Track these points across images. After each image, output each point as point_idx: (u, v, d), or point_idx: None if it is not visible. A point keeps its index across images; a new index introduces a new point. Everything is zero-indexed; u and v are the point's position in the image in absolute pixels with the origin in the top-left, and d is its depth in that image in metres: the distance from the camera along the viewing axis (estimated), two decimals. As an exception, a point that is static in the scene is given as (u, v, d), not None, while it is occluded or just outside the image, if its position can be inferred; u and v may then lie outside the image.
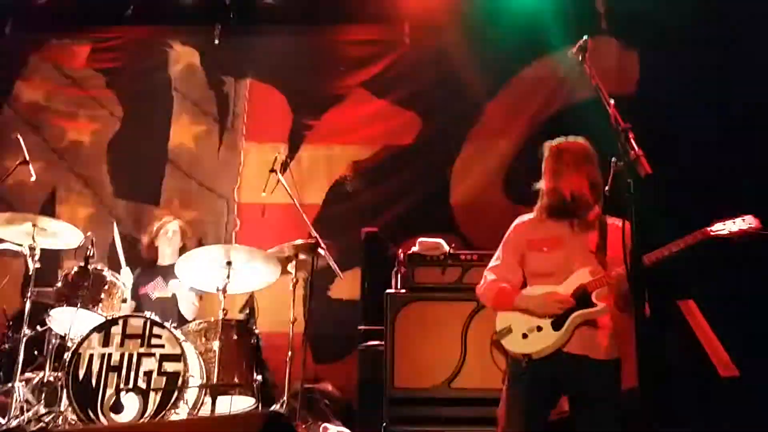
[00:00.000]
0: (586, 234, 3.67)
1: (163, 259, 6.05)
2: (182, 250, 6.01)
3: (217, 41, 7.33)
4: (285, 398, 5.13)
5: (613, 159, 3.04)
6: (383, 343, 4.97)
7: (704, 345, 5.23)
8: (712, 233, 3.37)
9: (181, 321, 5.62)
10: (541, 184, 3.76)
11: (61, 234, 5.23)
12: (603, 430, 3.45)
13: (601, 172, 3.63)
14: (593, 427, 3.48)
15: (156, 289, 5.87)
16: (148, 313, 4.87)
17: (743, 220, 3.36)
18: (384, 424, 4.67)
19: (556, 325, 3.50)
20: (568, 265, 3.60)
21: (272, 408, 5.04)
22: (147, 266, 6.09)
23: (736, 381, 5.02)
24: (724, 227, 3.36)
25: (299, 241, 5.24)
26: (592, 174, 3.64)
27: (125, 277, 5.60)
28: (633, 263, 2.87)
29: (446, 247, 5.03)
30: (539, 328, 3.53)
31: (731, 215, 3.42)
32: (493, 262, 3.84)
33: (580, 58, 3.35)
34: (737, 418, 4.99)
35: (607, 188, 3.27)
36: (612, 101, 3.14)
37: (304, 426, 5.05)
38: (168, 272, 5.84)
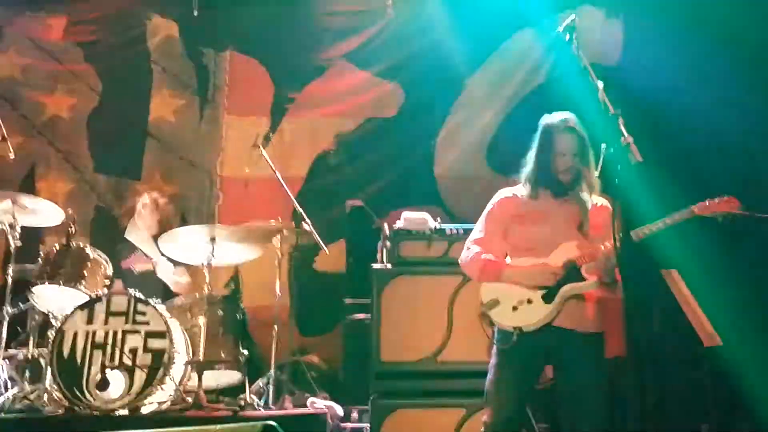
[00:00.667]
0: (568, 208, 3.69)
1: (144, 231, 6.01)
2: (162, 222, 5.98)
3: (196, 12, 7.18)
4: (272, 371, 5.15)
5: (603, 145, 3.06)
6: (369, 316, 4.97)
7: (688, 315, 5.28)
8: (696, 211, 3.43)
9: (166, 294, 5.60)
10: (531, 158, 3.76)
11: (42, 211, 5.17)
12: (586, 399, 3.50)
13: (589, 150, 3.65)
14: (577, 396, 3.52)
15: (138, 263, 5.85)
16: (132, 291, 4.83)
17: (726, 200, 3.42)
18: (371, 397, 4.68)
19: (547, 298, 3.51)
20: (553, 239, 3.62)
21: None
22: (127, 240, 6.06)
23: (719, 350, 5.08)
24: (707, 206, 3.41)
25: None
26: (582, 152, 3.64)
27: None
28: (623, 241, 2.90)
29: (432, 222, 5.02)
30: (529, 301, 3.53)
31: (715, 194, 3.49)
32: (475, 234, 3.84)
33: (568, 38, 3.34)
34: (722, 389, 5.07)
35: (597, 173, 3.29)
36: (601, 84, 3.14)
37: (290, 399, 5.07)
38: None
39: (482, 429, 3.65)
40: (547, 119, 3.75)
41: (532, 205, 3.72)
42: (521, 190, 3.81)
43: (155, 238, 5.70)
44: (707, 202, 3.44)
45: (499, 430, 3.58)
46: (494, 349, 3.73)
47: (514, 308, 3.55)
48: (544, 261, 3.57)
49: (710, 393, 5.17)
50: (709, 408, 5.17)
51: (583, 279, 3.52)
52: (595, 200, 3.72)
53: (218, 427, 2.00)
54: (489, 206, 3.87)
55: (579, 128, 3.67)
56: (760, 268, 5.65)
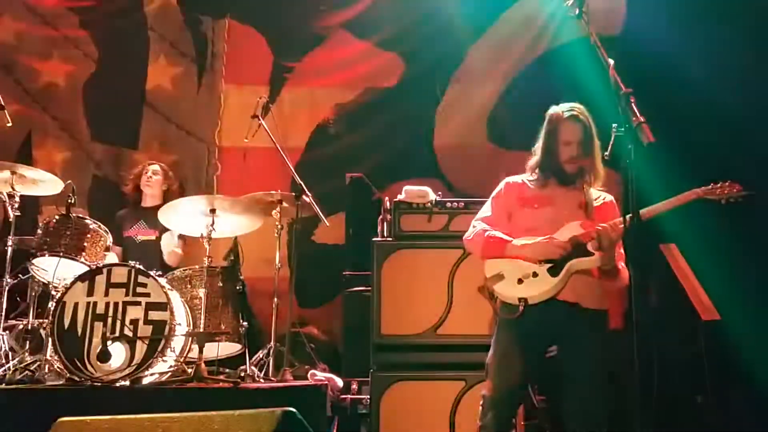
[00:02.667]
0: (575, 194, 3.73)
1: (146, 201, 6.05)
2: (167, 192, 5.98)
3: (194, -21, 7.11)
4: (272, 343, 5.17)
5: (614, 125, 3.05)
6: (368, 288, 4.97)
7: (686, 289, 5.31)
8: (701, 194, 3.46)
9: (165, 265, 5.61)
10: (538, 148, 3.77)
11: (41, 181, 5.15)
12: (588, 373, 3.52)
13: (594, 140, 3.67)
14: (579, 371, 3.55)
15: (140, 232, 5.86)
16: (132, 262, 4.82)
17: (729, 185, 3.43)
18: (371, 369, 4.71)
19: (553, 271, 3.52)
20: (558, 219, 3.63)
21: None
22: (131, 208, 6.07)
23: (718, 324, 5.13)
24: (711, 190, 3.44)
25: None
26: (587, 142, 3.65)
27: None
28: (632, 221, 2.90)
29: (432, 195, 5.00)
30: (535, 274, 3.54)
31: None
32: (481, 214, 3.85)
33: (577, 12, 3.31)
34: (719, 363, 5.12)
35: (606, 153, 3.29)
36: (612, 62, 3.11)
37: (290, 371, 5.09)
38: (150, 214, 5.83)
39: (481, 402, 3.66)
40: (554, 109, 3.76)
41: (538, 190, 3.76)
42: (528, 177, 3.83)
43: (158, 208, 5.71)
44: (711, 186, 3.46)
45: (498, 404, 3.60)
46: (497, 323, 3.74)
47: (520, 281, 3.56)
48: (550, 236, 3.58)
49: (707, 365, 5.22)
50: (706, 380, 5.22)
51: (589, 254, 3.51)
52: (602, 194, 3.77)
53: (237, 412, 1.99)
54: (496, 191, 3.89)
55: (585, 117, 3.67)
56: (758, 243, 5.68)
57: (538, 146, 3.78)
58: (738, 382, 5.29)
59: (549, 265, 3.54)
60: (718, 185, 3.45)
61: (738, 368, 5.23)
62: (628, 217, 2.98)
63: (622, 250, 3.64)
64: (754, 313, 5.22)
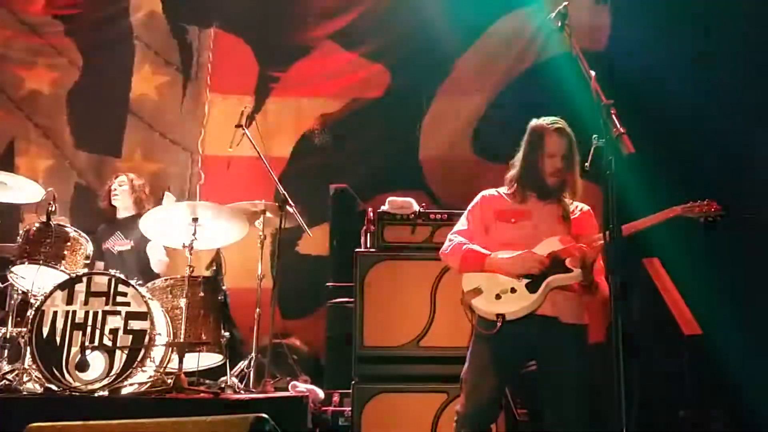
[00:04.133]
0: (553, 208, 3.71)
1: (120, 213, 6.05)
2: (138, 201, 5.96)
3: (181, -12, 7.09)
4: (253, 354, 5.13)
5: (594, 136, 3.05)
6: (352, 299, 4.95)
7: (668, 303, 5.32)
8: (680, 212, 3.48)
9: (146, 275, 5.56)
10: (518, 160, 3.75)
11: (22, 188, 5.12)
12: (568, 387, 3.50)
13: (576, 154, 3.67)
14: (559, 384, 3.53)
15: (117, 243, 5.83)
16: (113, 271, 4.78)
17: (707, 204, 3.46)
18: (353, 381, 4.68)
19: (532, 287, 3.50)
20: (537, 235, 3.62)
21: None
22: (107, 223, 6.04)
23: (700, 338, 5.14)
24: (690, 208, 3.47)
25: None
26: (570, 156, 3.64)
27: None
28: (613, 234, 2.90)
29: (416, 206, 5.00)
30: (513, 290, 3.52)
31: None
32: (459, 227, 3.83)
33: (559, 24, 3.32)
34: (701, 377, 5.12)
35: (587, 164, 3.29)
36: (593, 74, 3.13)
37: (272, 382, 5.05)
38: (126, 225, 5.89)
39: (455, 418, 3.64)
40: (537, 121, 3.74)
41: (516, 204, 3.74)
42: (505, 190, 3.81)
43: (132, 219, 5.76)
44: (689, 204, 3.48)
45: (472, 420, 3.57)
46: (473, 337, 3.71)
47: (498, 296, 3.53)
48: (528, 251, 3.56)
49: (689, 380, 5.23)
50: (688, 395, 5.22)
51: (568, 270, 3.50)
52: (579, 205, 3.76)
53: (209, 418, 1.96)
54: (472, 204, 3.87)
55: (569, 131, 3.66)
56: (740, 257, 5.70)
57: (518, 158, 3.75)
58: (720, 396, 5.30)
59: (527, 280, 3.52)
60: (697, 203, 3.47)
61: (720, 383, 5.24)
62: (608, 232, 2.97)
63: (601, 263, 3.62)
64: (736, 328, 5.23)
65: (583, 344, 3.63)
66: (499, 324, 3.50)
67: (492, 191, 3.85)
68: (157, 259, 5.75)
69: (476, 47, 7.10)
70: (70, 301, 4.62)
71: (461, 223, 3.83)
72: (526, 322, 3.51)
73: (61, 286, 4.64)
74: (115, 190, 6.01)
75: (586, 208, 3.78)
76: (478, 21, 7.08)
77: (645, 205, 3.58)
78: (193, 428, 1.92)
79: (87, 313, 4.60)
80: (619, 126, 2.96)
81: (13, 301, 5.02)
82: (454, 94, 7.09)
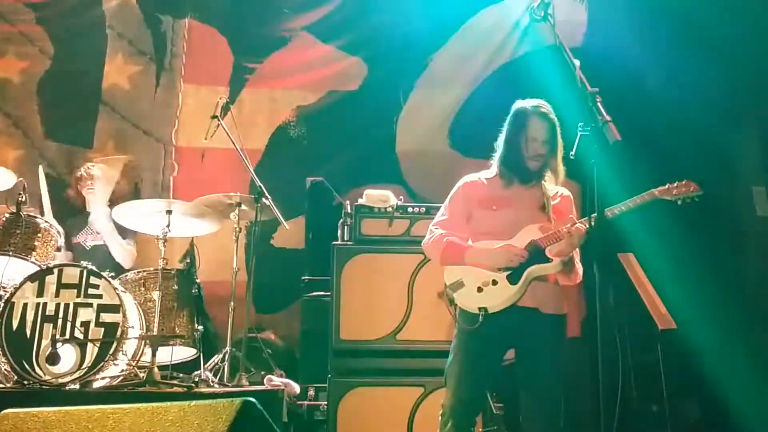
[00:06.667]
0: (534, 193, 3.70)
1: (90, 206, 5.84)
2: (114, 194, 5.84)
3: (154, -23, 6.98)
4: (228, 348, 5.07)
5: (580, 124, 3.05)
6: (327, 293, 4.92)
7: (643, 298, 5.35)
8: (658, 194, 3.51)
9: (121, 267, 5.48)
10: (501, 142, 3.74)
11: (-6, 176, 5.00)
12: (545, 377, 3.51)
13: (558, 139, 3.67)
14: (536, 375, 3.53)
15: (88, 238, 5.71)
16: (84, 263, 4.70)
17: (684, 184, 3.49)
18: (329, 375, 4.65)
19: (513, 278, 3.49)
20: (517, 223, 3.61)
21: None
22: (76, 213, 5.90)
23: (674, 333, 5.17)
24: (667, 189, 3.50)
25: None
26: (552, 140, 3.64)
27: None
28: (597, 220, 2.91)
29: (394, 200, 4.98)
30: (494, 282, 3.51)
31: (678, 174, 3.57)
32: (439, 217, 3.81)
33: (542, 15, 3.32)
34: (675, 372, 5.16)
35: (572, 153, 3.28)
36: (578, 62, 3.12)
37: (246, 376, 5.00)
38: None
39: (441, 411, 3.63)
40: (521, 103, 3.73)
41: (497, 190, 3.71)
42: (487, 174, 3.80)
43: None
44: (667, 186, 3.50)
45: (459, 413, 3.57)
46: (456, 331, 3.70)
47: (479, 289, 3.53)
48: (507, 243, 3.55)
49: (663, 374, 5.26)
50: (661, 389, 5.26)
51: (548, 260, 3.50)
52: (559, 189, 3.75)
53: (192, 403, 1.91)
54: (453, 191, 3.85)
55: (552, 116, 3.65)
56: (714, 252, 5.75)
57: (501, 141, 3.74)
58: (693, 391, 5.34)
59: (508, 272, 3.51)
60: (674, 185, 3.49)
61: (693, 378, 5.28)
62: (592, 216, 3.00)
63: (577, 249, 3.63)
64: (710, 322, 5.27)
65: (563, 335, 3.65)
66: (480, 318, 3.48)
67: (473, 177, 3.83)
68: (124, 254, 5.63)
69: (454, 41, 7.08)
70: (40, 293, 4.52)
71: (441, 213, 3.82)
72: (508, 313, 3.50)
73: (31, 278, 4.54)
74: (89, 183, 5.81)
75: (566, 193, 3.77)
76: (457, 15, 7.07)
77: (626, 191, 3.59)
78: (177, 413, 1.86)
79: (58, 305, 4.50)
80: (604, 114, 2.97)
81: (-19, 294, 4.92)
82: (431, 87, 7.06)
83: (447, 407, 3.59)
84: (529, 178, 3.68)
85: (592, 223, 3.10)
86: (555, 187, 3.74)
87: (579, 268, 3.63)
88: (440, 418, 3.60)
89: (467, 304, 3.56)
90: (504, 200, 3.66)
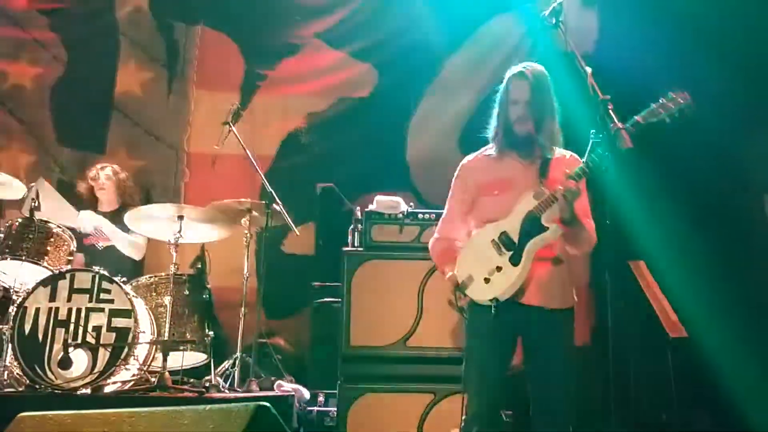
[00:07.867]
0: (532, 168, 3.55)
1: (102, 206, 5.90)
2: (123, 195, 5.89)
3: (167, -15, 7.03)
4: (238, 353, 5.09)
5: (592, 131, 3.02)
6: (337, 299, 4.93)
7: (654, 306, 5.33)
8: (642, 120, 3.25)
9: (133, 271, 5.51)
10: (498, 117, 3.59)
11: (4, 184, 5.03)
12: (554, 375, 3.41)
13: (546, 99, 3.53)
14: (545, 373, 3.43)
15: (101, 239, 5.73)
16: (96, 268, 4.73)
17: (675, 95, 3.32)
18: (339, 381, 4.65)
19: (515, 258, 3.40)
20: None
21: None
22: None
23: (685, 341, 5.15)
24: (653, 112, 3.28)
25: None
26: (536, 100, 3.48)
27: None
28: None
29: (404, 206, 4.98)
30: (499, 268, 3.42)
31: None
32: (444, 213, 3.78)
33: (554, 22, 3.30)
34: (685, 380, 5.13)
35: (584, 161, 3.23)
36: (590, 70, 3.11)
37: (256, 381, 5.01)
38: (110, 220, 5.73)
39: (463, 417, 3.47)
40: (513, 70, 3.59)
41: (497, 171, 3.58)
42: (485, 151, 3.68)
43: (117, 212, 5.67)
44: (652, 107, 3.28)
45: (483, 419, 3.42)
46: (466, 336, 3.65)
47: (486, 280, 3.43)
48: (500, 224, 3.43)
49: (673, 383, 5.24)
50: (672, 398, 5.23)
51: (545, 229, 3.39)
52: (566, 153, 3.60)
53: (207, 407, 1.92)
54: (453, 179, 3.76)
55: (532, 76, 3.50)
56: (726, 261, 5.72)
57: (500, 114, 3.58)
58: (703, 399, 5.31)
59: (509, 253, 3.41)
60: (659, 103, 3.28)
61: (704, 386, 5.25)
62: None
63: (586, 203, 3.50)
64: (721, 331, 5.24)
65: (570, 330, 3.53)
66: (493, 310, 3.36)
67: (472, 156, 3.73)
68: (122, 241, 5.63)
69: (466, 48, 7.08)
70: (53, 297, 4.55)
71: (445, 209, 3.78)
72: (514, 311, 3.40)
73: (43, 283, 4.58)
74: (103, 184, 5.85)
75: (567, 154, 3.59)
76: (468, 23, 7.07)
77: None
78: (192, 417, 1.87)
79: (70, 310, 4.54)
80: (616, 121, 2.95)
81: (-6, 298, 4.96)
82: (441, 94, 7.07)
83: (470, 415, 3.44)
84: (524, 147, 3.53)
85: (586, 170, 3.02)
86: (563, 151, 3.60)
87: (591, 225, 3.46)
88: (462, 424, 3.45)
89: (480, 298, 3.46)
90: (505, 183, 3.53)
